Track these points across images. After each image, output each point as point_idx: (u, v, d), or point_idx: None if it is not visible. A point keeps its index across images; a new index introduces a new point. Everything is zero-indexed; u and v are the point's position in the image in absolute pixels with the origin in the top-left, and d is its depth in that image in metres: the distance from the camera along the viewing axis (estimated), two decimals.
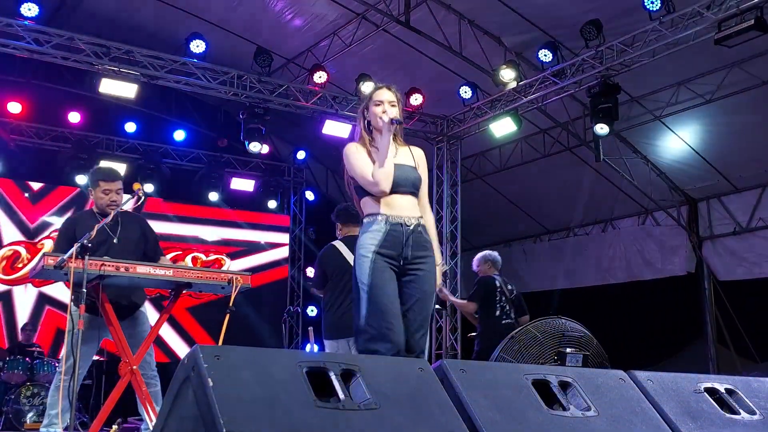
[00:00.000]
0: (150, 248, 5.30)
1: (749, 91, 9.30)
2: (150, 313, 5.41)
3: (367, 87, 10.08)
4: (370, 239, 3.82)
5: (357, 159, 3.95)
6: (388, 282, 3.79)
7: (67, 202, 12.26)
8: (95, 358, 6.35)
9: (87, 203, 12.31)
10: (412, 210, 3.94)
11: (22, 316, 11.40)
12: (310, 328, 9.17)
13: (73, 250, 4.29)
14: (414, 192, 3.99)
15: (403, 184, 3.93)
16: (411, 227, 3.88)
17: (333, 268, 5.76)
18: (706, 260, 11.34)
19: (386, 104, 3.99)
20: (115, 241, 5.10)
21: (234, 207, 13.80)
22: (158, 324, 5.03)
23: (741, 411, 3.22)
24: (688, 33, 8.18)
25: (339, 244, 5.83)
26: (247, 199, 13.90)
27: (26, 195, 12.02)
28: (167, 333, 12.48)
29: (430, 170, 11.82)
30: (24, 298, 11.62)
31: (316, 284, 6.06)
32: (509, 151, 12.15)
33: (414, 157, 4.09)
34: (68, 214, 12.12)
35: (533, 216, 13.44)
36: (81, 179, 11.95)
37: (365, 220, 3.93)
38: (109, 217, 4.81)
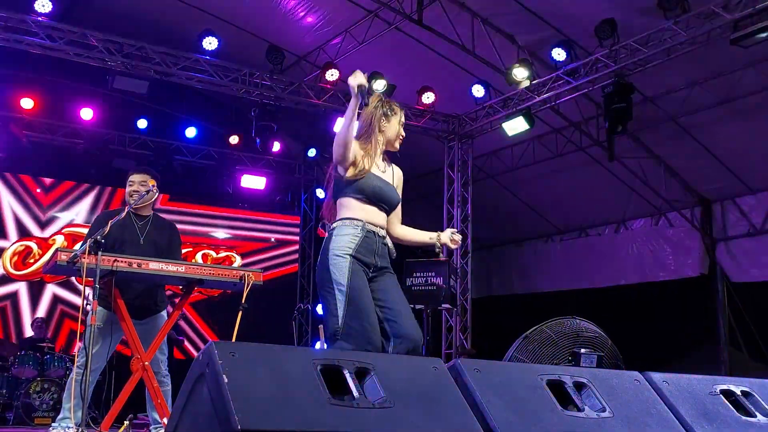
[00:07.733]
0: (173, 257, 5.16)
1: (764, 91, 9.22)
2: None
3: (379, 85, 10.05)
4: (348, 242, 3.75)
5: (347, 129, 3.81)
6: (366, 285, 3.75)
7: (79, 197, 12.29)
8: None
9: (101, 201, 12.40)
10: (383, 224, 3.94)
11: (36, 312, 11.41)
12: (321, 326, 9.18)
13: (86, 245, 4.32)
14: (389, 213, 3.99)
15: (386, 203, 3.93)
16: (383, 238, 3.91)
17: None
18: (719, 262, 11.26)
19: (402, 129, 4.06)
20: (141, 242, 5.12)
21: (244, 204, 13.83)
22: (170, 320, 5.05)
23: (757, 414, 3.20)
24: (703, 33, 8.13)
25: None
26: (258, 197, 13.91)
27: (38, 190, 12.05)
28: (185, 331, 12.52)
29: (441, 168, 11.92)
30: (35, 295, 11.63)
31: None
32: (521, 151, 12.10)
33: (394, 178, 4.06)
34: (75, 209, 12.21)
35: (545, 216, 13.39)
36: (93, 175, 11.97)
37: (341, 223, 3.83)
38: (123, 213, 4.80)
